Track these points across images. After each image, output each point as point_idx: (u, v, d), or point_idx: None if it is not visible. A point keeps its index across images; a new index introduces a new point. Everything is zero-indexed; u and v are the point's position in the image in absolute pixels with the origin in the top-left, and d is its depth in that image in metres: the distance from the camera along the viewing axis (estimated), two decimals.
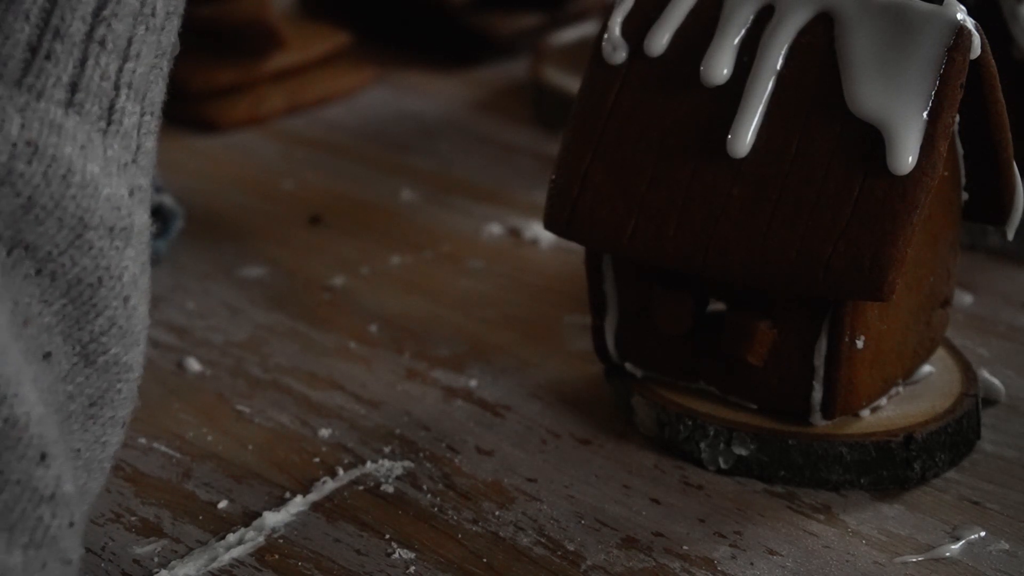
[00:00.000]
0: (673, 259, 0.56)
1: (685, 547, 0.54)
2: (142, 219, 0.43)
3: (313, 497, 0.57)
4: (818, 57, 0.56)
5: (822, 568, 0.53)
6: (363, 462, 0.59)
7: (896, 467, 0.57)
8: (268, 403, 0.64)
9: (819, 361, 0.56)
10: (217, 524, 0.56)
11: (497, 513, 0.56)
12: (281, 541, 0.55)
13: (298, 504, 0.57)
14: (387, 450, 0.60)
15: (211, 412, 0.63)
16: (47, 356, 0.40)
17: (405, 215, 0.83)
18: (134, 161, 0.43)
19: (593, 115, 0.59)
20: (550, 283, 0.74)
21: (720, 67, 0.57)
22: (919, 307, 0.59)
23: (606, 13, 0.59)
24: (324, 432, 0.62)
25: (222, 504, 0.57)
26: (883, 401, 0.59)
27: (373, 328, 0.70)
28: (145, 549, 0.55)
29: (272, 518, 0.56)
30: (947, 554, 0.53)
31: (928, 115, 0.54)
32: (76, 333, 0.41)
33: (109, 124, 0.43)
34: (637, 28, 0.59)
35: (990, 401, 0.63)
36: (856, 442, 0.57)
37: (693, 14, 0.58)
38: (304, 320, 0.71)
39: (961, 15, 0.54)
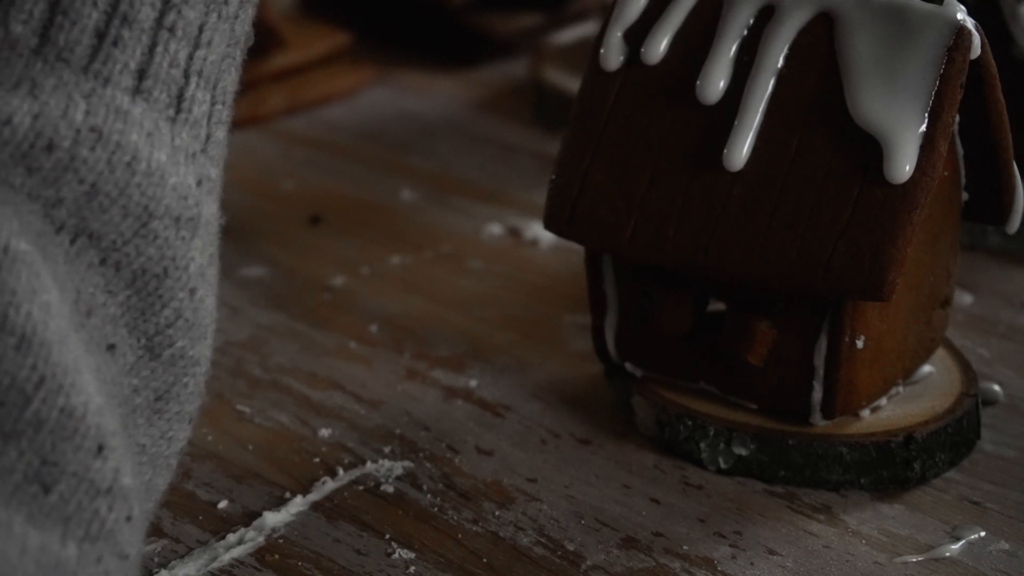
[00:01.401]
0: (673, 259, 0.56)
1: (685, 547, 0.54)
2: (210, 209, 0.43)
3: (313, 497, 0.57)
4: (819, 57, 0.56)
5: (822, 568, 0.53)
6: (363, 462, 0.59)
7: (896, 467, 0.57)
8: (268, 403, 0.64)
9: (819, 361, 0.56)
10: (217, 524, 0.56)
11: (497, 513, 0.56)
12: (281, 541, 0.55)
13: (298, 504, 0.57)
14: (387, 450, 0.60)
15: (211, 412, 0.63)
16: (111, 348, 0.40)
17: (405, 215, 0.83)
18: (203, 151, 0.43)
19: (593, 115, 0.59)
20: (550, 283, 0.74)
21: (715, 85, 0.56)
22: (919, 307, 0.59)
23: (606, 14, 0.59)
24: (324, 432, 0.62)
25: (222, 504, 0.57)
26: (883, 401, 0.59)
27: (373, 328, 0.70)
28: (145, 549, 0.54)
29: (272, 518, 0.56)
30: (947, 554, 0.53)
31: (928, 115, 0.54)
32: (141, 325, 0.40)
33: (178, 112, 0.42)
34: (636, 31, 0.59)
35: (990, 401, 0.63)
36: (856, 442, 0.57)
37: (693, 15, 0.58)
38: (304, 320, 0.71)
39: (961, 15, 0.54)
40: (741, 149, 0.55)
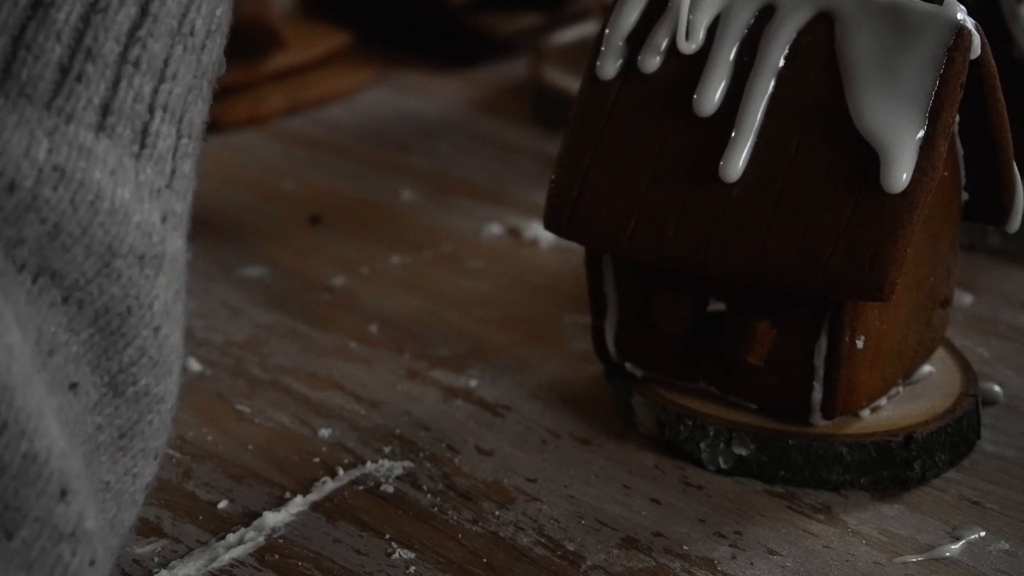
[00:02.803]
0: (673, 259, 0.56)
1: (685, 547, 0.54)
2: (175, 245, 0.42)
3: (313, 497, 0.57)
4: (819, 57, 0.56)
5: (822, 568, 0.53)
6: (363, 462, 0.59)
7: (896, 467, 0.57)
8: (268, 403, 0.64)
9: (819, 361, 0.56)
10: (217, 524, 0.56)
11: (497, 513, 0.56)
12: (281, 541, 0.55)
13: (298, 504, 0.57)
14: (387, 450, 0.60)
15: (211, 412, 0.63)
16: (74, 386, 0.39)
17: (405, 215, 0.83)
18: (168, 186, 0.42)
19: (593, 116, 0.59)
20: (550, 283, 0.74)
21: (711, 99, 0.56)
22: (919, 307, 0.59)
23: (602, 22, 0.59)
24: (324, 432, 0.62)
25: (222, 504, 0.57)
26: (883, 401, 0.59)
27: (373, 328, 0.70)
28: (145, 549, 0.55)
29: (272, 518, 0.56)
30: (947, 554, 0.53)
31: (928, 115, 0.54)
32: (104, 363, 0.40)
33: (142, 148, 0.41)
34: (634, 38, 0.59)
35: (990, 401, 0.63)
36: (856, 442, 0.57)
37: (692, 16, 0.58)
38: (304, 320, 0.71)
39: (961, 15, 0.54)
40: (737, 162, 0.55)
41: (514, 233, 0.80)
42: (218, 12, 0.44)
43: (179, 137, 0.43)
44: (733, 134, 0.56)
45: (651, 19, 0.58)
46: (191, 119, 0.43)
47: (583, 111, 0.59)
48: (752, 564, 0.53)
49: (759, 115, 0.56)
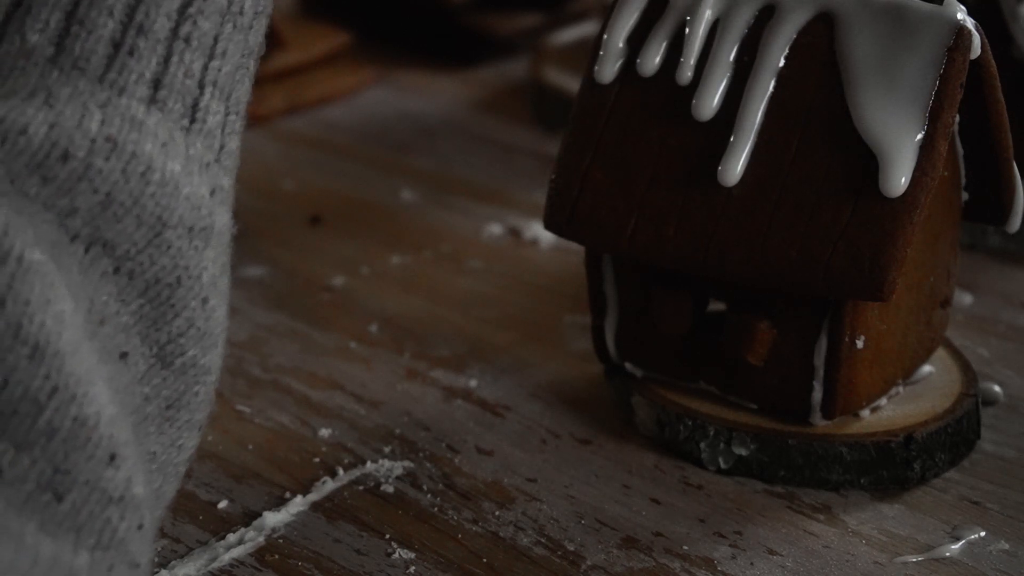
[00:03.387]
0: (673, 259, 0.56)
1: (685, 547, 0.54)
2: (223, 220, 0.42)
3: (313, 497, 0.57)
4: (819, 57, 0.56)
5: (822, 568, 0.53)
6: (363, 462, 0.59)
7: (896, 467, 0.57)
8: (268, 403, 0.64)
9: (819, 361, 0.56)
10: (217, 524, 0.56)
11: (497, 513, 0.56)
12: (281, 541, 0.55)
13: (298, 504, 0.57)
14: (387, 450, 0.60)
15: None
16: (124, 356, 0.40)
17: (405, 215, 0.83)
18: (217, 160, 0.43)
19: (592, 116, 0.59)
20: (550, 283, 0.74)
21: (710, 103, 0.56)
22: (919, 307, 0.59)
23: (601, 25, 0.59)
24: (324, 432, 0.62)
25: (222, 504, 0.57)
26: (883, 401, 0.59)
27: (373, 328, 0.70)
28: None
29: (272, 518, 0.56)
30: (947, 554, 0.53)
31: (928, 115, 0.54)
32: (154, 334, 0.41)
33: (192, 122, 0.42)
34: (633, 39, 0.59)
35: (990, 401, 0.63)
36: (856, 442, 0.57)
37: (690, 22, 0.58)
38: (304, 320, 0.71)
39: (961, 15, 0.54)
40: (736, 167, 0.55)
41: (514, 233, 0.80)
42: None
43: (227, 114, 0.43)
44: (732, 139, 0.56)
45: (650, 21, 0.58)
46: (238, 97, 0.44)
47: (583, 111, 0.59)
48: (752, 564, 0.53)
49: (759, 117, 0.56)
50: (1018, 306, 0.71)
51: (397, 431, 0.62)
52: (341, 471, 0.59)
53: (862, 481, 0.57)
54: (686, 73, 0.57)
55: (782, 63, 0.56)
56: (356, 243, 0.79)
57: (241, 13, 0.44)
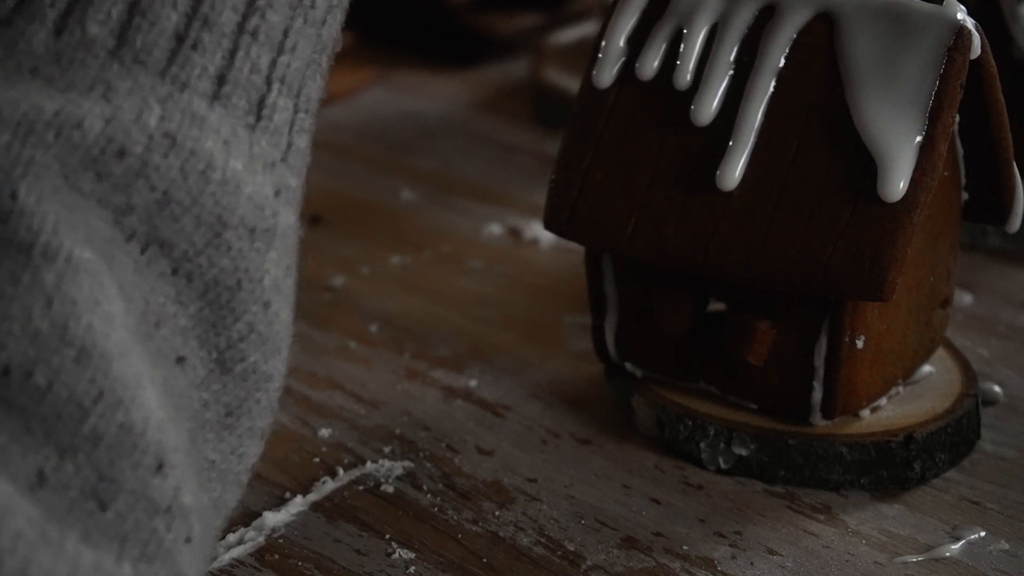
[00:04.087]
0: (673, 259, 0.56)
1: (685, 547, 0.54)
2: (287, 220, 0.41)
3: (313, 497, 0.57)
4: (819, 57, 0.56)
5: (822, 568, 0.53)
6: (363, 462, 0.59)
7: (896, 467, 0.57)
8: None
9: (819, 361, 0.56)
10: None
11: (497, 513, 0.56)
12: (281, 541, 0.55)
13: (298, 504, 0.57)
14: (387, 450, 0.60)
15: None
16: (181, 360, 0.38)
17: (405, 215, 0.83)
18: (283, 159, 0.41)
19: (592, 116, 0.59)
20: (550, 283, 0.74)
21: (708, 108, 0.56)
22: (919, 307, 0.59)
23: (603, 21, 0.59)
24: (324, 432, 0.62)
25: None
26: (883, 401, 0.59)
27: (373, 328, 0.70)
28: None
29: (272, 518, 0.56)
30: (947, 554, 0.53)
31: (928, 115, 0.54)
32: (213, 338, 0.39)
33: (258, 120, 0.40)
34: (633, 40, 0.59)
35: (990, 401, 0.63)
36: (856, 442, 0.57)
37: (690, 24, 0.58)
38: (304, 320, 0.70)
39: (961, 15, 0.54)
40: (734, 171, 0.55)
41: (514, 233, 0.80)
42: None
43: (296, 111, 0.42)
44: (731, 143, 0.56)
45: (649, 24, 0.58)
46: (308, 94, 0.43)
47: (582, 113, 0.59)
48: (752, 564, 0.53)
49: (759, 117, 0.56)
50: (1018, 306, 0.71)
51: (397, 431, 0.62)
52: (341, 471, 0.59)
53: (862, 481, 0.57)
54: (685, 78, 0.57)
55: (782, 63, 0.56)
56: (356, 243, 0.79)
57: (313, 7, 0.42)
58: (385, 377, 0.66)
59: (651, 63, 0.58)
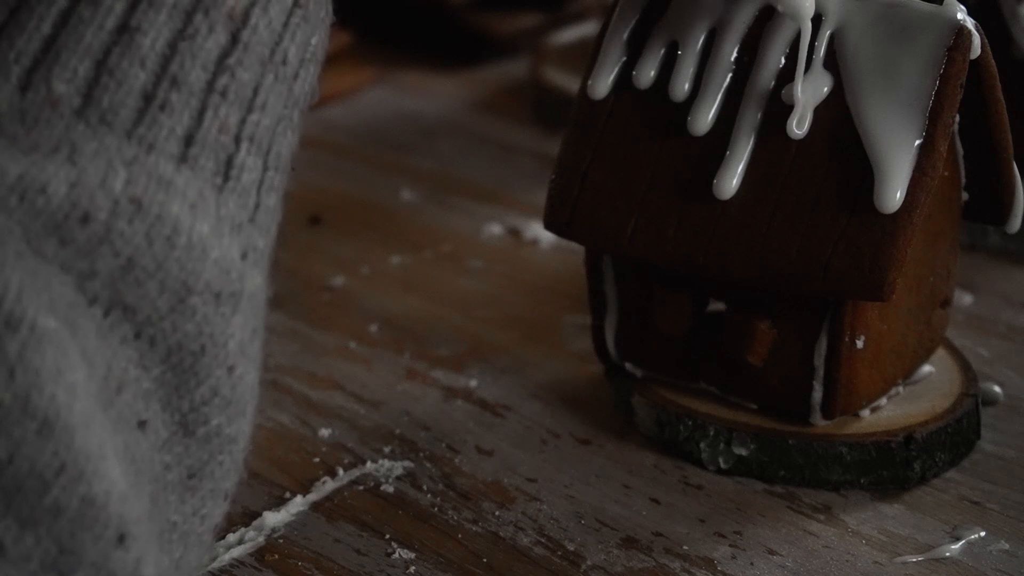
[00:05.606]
0: (673, 259, 0.56)
1: (685, 547, 0.54)
2: (255, 282, 0.41)
3: (313, 497, 0.57)
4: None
5: (822, 568, 0.53)
6: (363, 462, 0.59)
7: (896, 467, 0.57)
8: (268, 403, 0.64)
9: (819, 361, 0.56)
10: None
11: (497, 513, 0.56)
12: (281, 541, 0.55)
13: (298, 504, 0.57)
14: (387, 450, 0.60)
15: None
16: (142, 424, 0.38)
17: (405, 215, 0.83)
18: (251, 220, 0.41)
19: (593, 115, 0.59)
20: (550, 283, 0.74)
21: (705, 119, 0.56)
22: (919, 307, 0.59)
23: (603, 22, 0.59)
24: (324, 432, 0.62)
25: None
26: (883, 401, 0.59)
27: (373, 328, 0.70)
28: None
29: (272, 518, 0.56)
30: (947, 554, 0.53)
31: (928, 115, 0.54)
32: (176, 401, 0.39)
33: (226, 180, 0.40)
34: (632, 44, 0.59)
35: (990, 401, 0.63)
36: (856, 442, 0.57)
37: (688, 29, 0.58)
38: (304, 320, 0.71)
39: (961, 15, 0.54)
40: (731, 181, 0.55)
41: (514, 233, 0.80)
42: (313, 41, 0.43)
43: (265, 170, 0.41)
44: (727, 153, 0.56)
45: (647, 30, 0.58)
46: (279, 151, 0.42)
47: (583, 109, 0.59)
48: (752, 564, 0.53)
49: (757, 121, 0.56)
50: (1018, 306, 0.71)
51: (397, 431, 0.62)
52: (341, 471, 0.59)
53: (862, 481, 0.57)
54: (682, 90, 0.57)
55: (781, 63, 0.56)
56: (356, 243, 0.79)
57: (284, 63, 0.41)
58: (385, 377, 0.66)
59: (648, 72, 0.58)
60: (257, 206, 0.41)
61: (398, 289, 0.74)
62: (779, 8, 0.54)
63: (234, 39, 0.40)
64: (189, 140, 0.39)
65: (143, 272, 0.37)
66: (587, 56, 0.60)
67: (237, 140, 0.40)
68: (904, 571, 0.53)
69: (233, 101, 0.40)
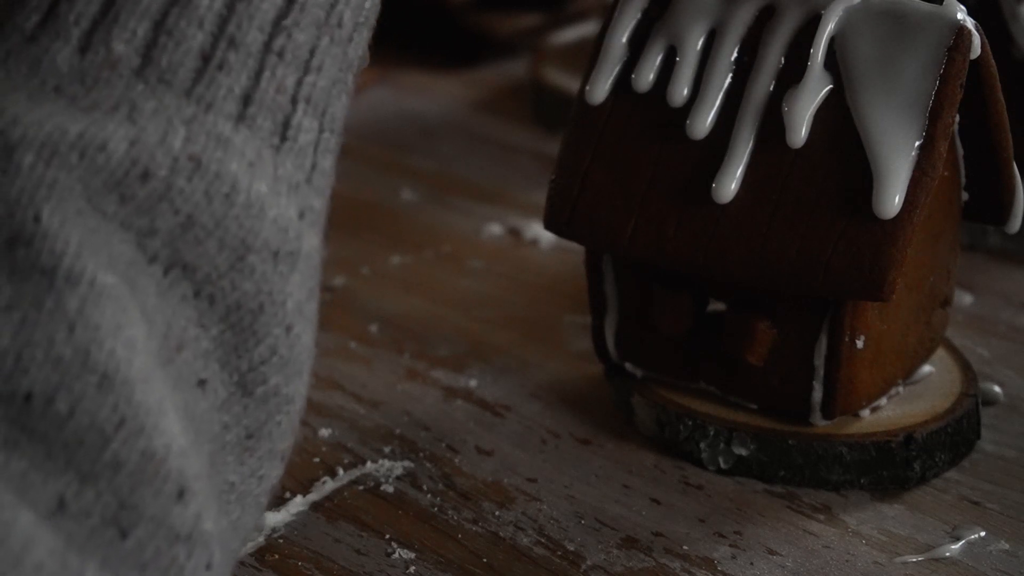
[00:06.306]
0: (673, 259, 0.56)
1: (685, 547, 0.54)
2: (311, 242, 0.41)
3: (313, 497, 0.57)
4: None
5: (822, 568, 0.53)
6: (363, 462, 0.59)
7: (896, 467, 0.57)
8: None
9: (819, 361, 0.56)
10: None
11: (497, 513, 0.56)
12: (281, 541, 0.55)
13: (298, 504, 0.57)
14: (387, 450, 0.60)
15: None
16: (202, 383, 0.38)
17: (405, 215, 0.83)
18: (308, 181, 0.41)
19: (593, 116, 0.59)
20: (550, 283, 0.74)
21: (703, 123, 0.56)
22: (919, 307, 0.59)
23: (607, 14, 0.59)
24: (324, 432, 0.62)
25: None
26: (883, 401, 0.59)
27: (373, 328, 0.70)
28: None
29: (272, 518, 0.56)
30: (947, 554, 0.53)
31: (928, 116, 0.54)
32: (234, 361, 0.39)
33: (283, 140, 0.40)
34: (632, 47, 0.59)
35: (990, 401, 0.63)
36: (856, 442, 0.57)
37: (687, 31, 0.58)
38: None
39: (961, 15, 0.54)
40: (729, 185, 0.55)
41: (514, 233, 0.80)
42: (367, 4, 0.43)
43: (321, 131, 0.41)
44: (726, 158, 0.56)
45: (646, 33, 0.58)
46: (334, 113, 0.42)
47: (583, 109, 0.59)
48: (752, 564, 0.53)
49: (757, 122, 0.56)
50: (1018, 306, 0.71)
51: (397, 431, 0.62)
52: (341, 471, 0.59)
53: (862, 481, 0.57)
54: (680, 95, 0.57)
55: (781, 63, 0.56)
56: (356, 243, 0.79)
57: (339, 25, 0.42)
58: (385, 377, 0.66)
59: (646, 76, 0.58)
60: (314, 167, 0.41)
61: (398, 289, 0.74)
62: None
63: (290, 1, 0.40)
64: (247, 100, 0.39)
65: (202, 230, 0.38)
66: (587, 56, 0.60)
67: (294, 101, 0.40)
68: (904, 571, 0.53)
69: (290, 62, 0.40)
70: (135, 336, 0.36)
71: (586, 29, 1.03)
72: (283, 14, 0.40)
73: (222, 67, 0.39)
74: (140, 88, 0.38)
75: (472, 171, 0.88)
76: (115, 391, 0.35)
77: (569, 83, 0.90)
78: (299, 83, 0.41)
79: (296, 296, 0.40)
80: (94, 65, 0.38)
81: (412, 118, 0.97)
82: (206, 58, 0.39)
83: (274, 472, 0.41)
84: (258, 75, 0.40)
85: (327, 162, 0.42)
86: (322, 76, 0.41)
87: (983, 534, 0.55)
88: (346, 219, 0.81)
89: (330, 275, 0.75)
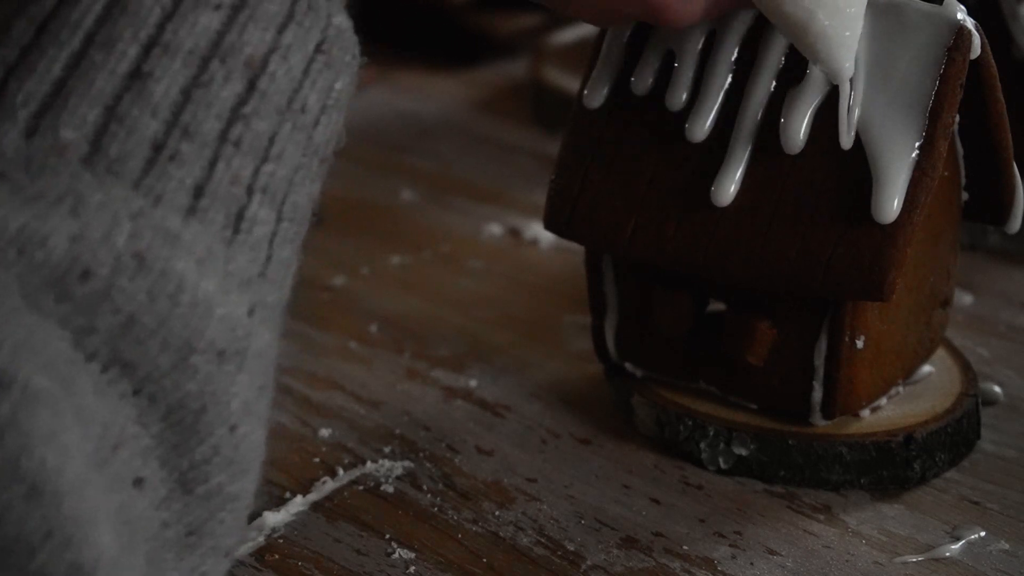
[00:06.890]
0: (673, 259, 0.56)
1: (685, 547, 0.54)
2: (262, 339, 0.39)
3: (313, 497, 0.57)
4: None
5: (822, 568, 0.53)
6: (363, 462, 0.59)
7: (896, 467, 0.57)
8: None
9: (819, 361, 0.56)
10: None
11: (497, 513, 0.56)
12: (281, 541, 0.55)
13: (298, 504, 0.57)
14: (387, 450, 0.60)
15: None
16: (139, 482, 0.37)
17: (405, 215, 0.83)
18: (261, 275, 0.39)
19: (593, 116, 0.59)
20: (550, 283, 0.74)
21: (702, 126, 0.56)
22: (919, 307, 0.59)
23: (597, 38, 0.59)
24: (324, 432, 0.62)
25: None
26: (883, 401, 0.59)
27: (373, 328, 0.70)
28: None
29: (272, 518, 0.56)
30: (947, 554, 0.53)
31: (928, 115, 0.54)
32: (175, 459, 0.38)
33: (236, 233, 0.38)
34: (630, 51, 0.59)
35: (990, 401, 0.63)
36: (856, 442, 0.57)
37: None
38: (304, 320, 0.71)
39: (961, 15, 0.54)
40: (728, 188, 0.55)
41: (514, 233, 0.80)
42: (337, 86, 0.42)
43: (279, 221, 0.40)
44: (724, 161, 0.56)
45: (645, 36, 0.58)
46: (295, 201, 0.41)
47: (583, 110, 0.59)
48: (752, 564, 0.53)
49: (757, 123, 0.56)
50: (1018, 306, 0.71)
51: (397, 431, 0.62)
52: (341, 471, 0.59)
53: (862, 481, 0.57)
54: (679, 99, 0.57)
55: (781, 64, 0.56)
56: (356, 243, 0.79)
57: (303, 111, 0.40)
58: (385, 377, 0.66)
59: (645, 80, 0.58)
60: (269, 259, 0.40)
61: (398, 289, 0.74)
62: (819, 69, 0.53)
63: (251, 87, 0.39)
64: (199, 192, 0.38)
65: (144, 330, 0.37)
66: (587, 56, 0.60)
67: (250, 191, 0.39)
68: (904, 571, 0.53)
69: (247, 151, 0.39)
70: (68, 442, 0.34)
71: (586, 29, 1.02)
72: (242, 101, 0.39)
73: (174, 158, 0.38)
74: (87, 178, 0.37)
75: (472, 171, 0.88)
76: (43, 502, 0.34)
77: (569, 83, 0.90)
78: (256, 172, 0.39)
79: (243, 395, 0.39)
80: (40, 151, 0.37)
81: (412, 118, 0.97)
82: (158, 148, 0.38)
83: (218, 568, 0.40)
84: (212, 165, 0.38)
85: (285, 252, 0.41)
86: (282, 164, 0.40)
87: (983, 534, 0.55)
88: (346, 219, 0.81)
89: (330, 275, 0.75)
